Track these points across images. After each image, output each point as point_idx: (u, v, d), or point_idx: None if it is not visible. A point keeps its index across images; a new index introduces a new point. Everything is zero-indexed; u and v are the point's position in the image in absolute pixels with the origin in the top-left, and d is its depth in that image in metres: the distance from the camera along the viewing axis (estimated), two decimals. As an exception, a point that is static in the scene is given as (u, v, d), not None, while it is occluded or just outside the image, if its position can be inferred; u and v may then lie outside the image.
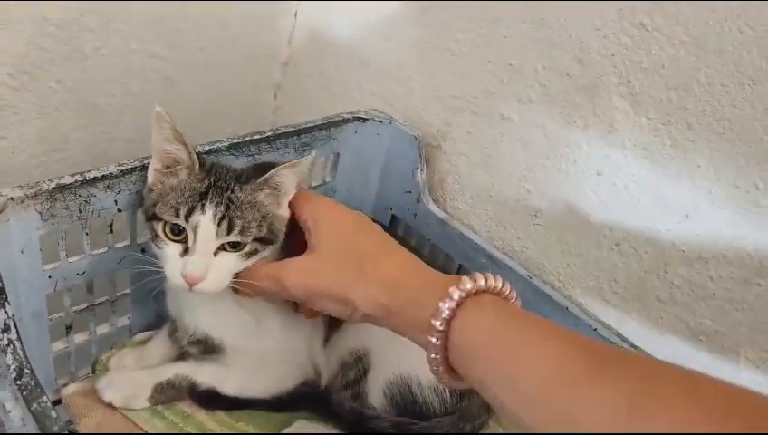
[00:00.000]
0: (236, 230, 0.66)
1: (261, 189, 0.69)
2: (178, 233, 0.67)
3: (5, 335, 0.58)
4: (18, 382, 0.57)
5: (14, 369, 0.58)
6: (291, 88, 1.18)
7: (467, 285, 0.52)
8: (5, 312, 0.58)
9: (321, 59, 1.13)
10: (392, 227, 1.01)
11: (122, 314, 0.85)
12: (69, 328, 0.79)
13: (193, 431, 0.78)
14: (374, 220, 0.71)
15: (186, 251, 0.67)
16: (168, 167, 0.69)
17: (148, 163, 0.72)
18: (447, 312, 0.52)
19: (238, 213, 0.67)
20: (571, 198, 0.83)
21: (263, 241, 0.69)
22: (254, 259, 0.69)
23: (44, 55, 0.88)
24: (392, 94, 1.02)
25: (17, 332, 0.59)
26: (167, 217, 0.67)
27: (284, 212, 0.72)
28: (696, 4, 0.69)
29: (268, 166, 0.70)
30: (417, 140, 0.94)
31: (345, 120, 0.92)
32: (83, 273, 0.75)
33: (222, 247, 0.67)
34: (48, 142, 0.96)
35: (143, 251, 0.79)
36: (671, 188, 0.75)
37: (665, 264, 0.77)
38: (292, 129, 0.86)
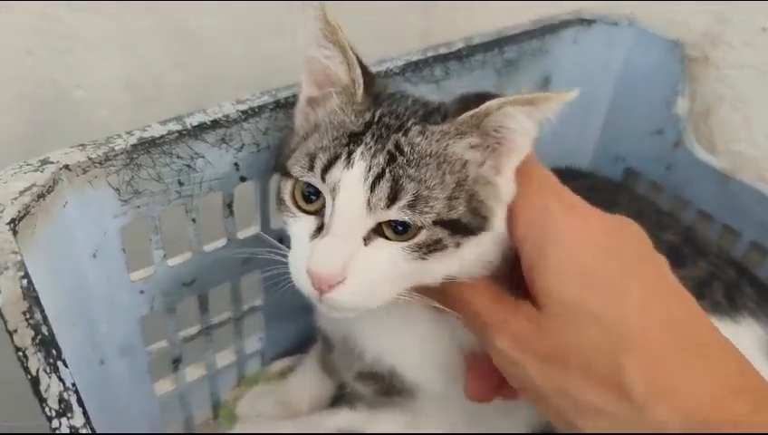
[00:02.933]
0: (405, 200, 0.36)
1: (463, 135, 0.39)
2: (315, 199, 0.39)
3: (64, 421, 0.31)
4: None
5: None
6: (440, 32, 0.86)
7: None
8: (60, 380, 0.31)
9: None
10: (626, 186, 0.68)
11: (251, 334, 0.58)
12: (177, 362, 0.52)
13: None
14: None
15: (320, 229, 0.38)
16: (322, 91, 0.41)
17: (285, 98, 0.44)
18: None
19: (411, 171, 0.37)
20: None
21: (456, 228, 0.38)
22: (438, 260, 0.38)
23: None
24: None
25: (84, 412, 0.32)
26: (296, 172, 0.39)
27: (507, 183, 0.40)
28: None
29: (482, 99, 0.38)
30: (678, 47, 0.60)
31: (562, 24, 0.60)
32: (192, 282, 0.48)
33: (380, 231, 0.37)
34: (138, 90, 0.70)
35: (282, 241, 0.50)
36: None
37: None
38: (490, 38, 0.55)
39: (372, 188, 0.36)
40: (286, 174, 0.40)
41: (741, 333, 0.50)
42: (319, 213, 0.38)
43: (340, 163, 0.37)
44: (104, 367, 0.45)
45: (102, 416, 0.40)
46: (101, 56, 0.67)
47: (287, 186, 0.40)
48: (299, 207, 0.39)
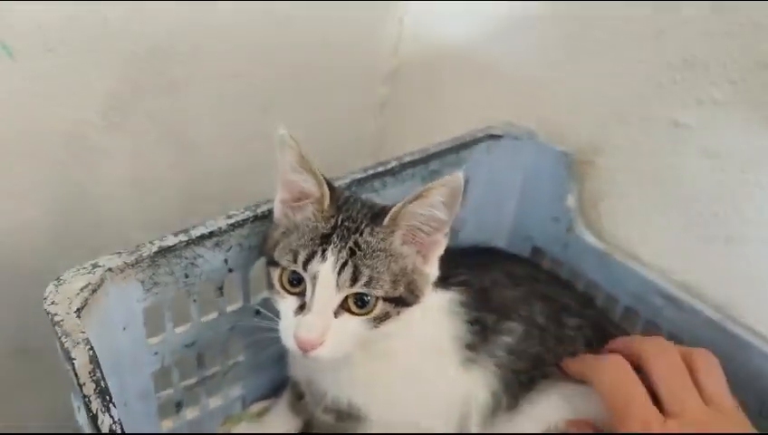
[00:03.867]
0: (362, 280, 0.53)
1: (393, 233, 0.56)
2: (297, 284, 0.55)
3: (111, 445, 0.47)
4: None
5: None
6: (398, 105, 1.05)
7: None
8: (111, 416, 0.47)
9: (434, 70, 0.99)
10: (535, 262, 0.85)
11: (235, 383, 0.74)
12: (179, 405, 0.68)
13: None
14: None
15: (302, 308, 0.54)
16: (297, 199, 0.58)
17: (261, 212, 0.61)
18: None
19: (366, 261, 0.54)
20: (779, 221, 0.66)
21: (397, 302, 0.55)
22: (386, 326, 0.55)
23: (134, 90, 0.79)
24: (525, 105, 0.86)
25: (121, 423, 0.47)
26: (284, 263, 0.55)
27: (433, 271, 0.58)
28: None
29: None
30: (567, 156, 0.78)
31: (476, 140, 0.78)
32: (192, 344, 0.64)
33: (346, 308, 0.54)
34: (142, 185, 0.87)
35: (258, 313, 0.67)
36: None
37: None
38: (418, 156, 0.72)
39: (339, 273, 0.53)
40: (274, 263, 0.56)
41: None
42: (300, 294, 0.55)
43: (318, 258, 0.53)
44: (127, 408, 0.61)
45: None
46: (115, 160, 0.82)
47: (276, 273, 0.56)
48: (286, 290, 0.55)
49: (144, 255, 0.55)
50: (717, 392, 0.55)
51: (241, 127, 0.92)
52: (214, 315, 0.65)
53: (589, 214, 0.82)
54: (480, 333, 0.64)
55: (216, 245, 0.59)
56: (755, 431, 0.53)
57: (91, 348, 0.47)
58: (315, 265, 0.53)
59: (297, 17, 0.87)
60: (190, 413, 0.71)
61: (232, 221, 0.60)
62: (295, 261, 0.54)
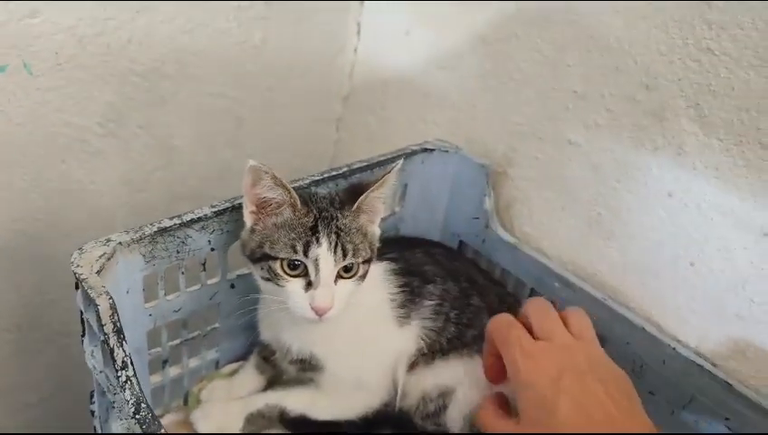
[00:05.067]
0: (350, 254, 0.71)
1: (359, 214, 0.74)
2: (295, 268, 0.71)
3: (124, 372, 0.62)
4: (137, 416, 0.61)
5: (133, 404, 0.61)
6: (351, 122, 1.22)
7: None
8: (123, 350, 0.62)
9: (382, 92, 1.16)
10: (460, 252, 1.03)
11: (211, 348, 0.89)
12: (165, 362, 0.84)
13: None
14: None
15: (309, 285, 0.71)
16: (265, 208, 0.73)
17: (238, 204, 0.76)
18: None
19: (348, 238, 0.72)
20: (643, 220, 0.85)
21: (368, 260, 0.75)
22: (363, 281, 0.75)
23: (129, 103, 0.94)
24: (455, 124, 1.05)
25: (134, 368, 0.63)
26: (284, 255, 0.70)
27: (377, 230, 0.78)
28: (763, 28, 0.71)
29: (357, 188, 0.76)
30: (485, 167, 0.96)
31: (414, 152, 0.95)
32: (179, 310, 0.79)
33: (339, 275, 0.72)
34: (131, 184, 1.01)
35: (232, 287, 0.83)
36: (745, 206, 0.76)
37: (743, 282, 0.78)
38: (366, 163, 0.89)
39: (335, 252, 0.70)
40: (272, 258, 0.71)
41: None
42: (303, 275, 0.71)
43: (314, 244, 0.70)
44: (125, 360, 0.75)
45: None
46: (110, 163, 0.96)
47: (276, 265, 0.71)
48: (288, 275, 0.71)
49: (146, 233, 0.71)
50: (585, 332, 0.67)
51: (217, 137, 1.08)
52: (197, 287, 0.80)
53: (503, 215, 1.00)
54: (408, 296, 0.83)
55: (203, 228, 0.75)
56: (612, 363, 0.65)
57: (111, 297, 0.62)
58: (314, 250, 0.70)
59: (267, 46, 1.04)
60: (173, 371, 0.86)
61: (215, 209, 0.76)
62: (296, 251, 0.70)
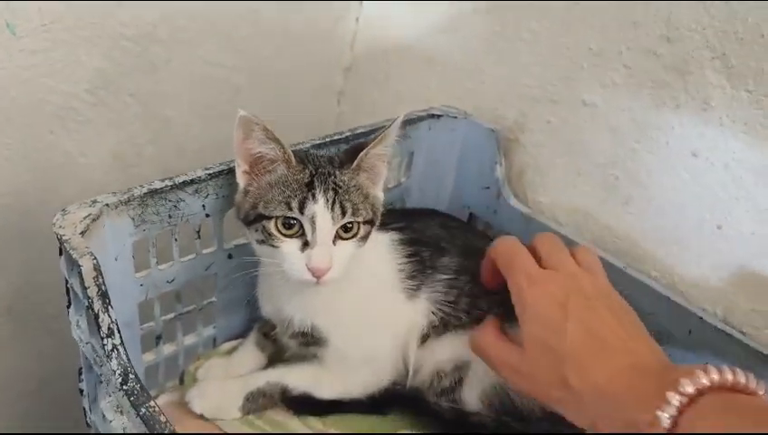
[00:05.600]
0: (349, 212, 0.66)
1: (358, 173, 0.70)
2: (290, 227, 0.66)
3: (110, 340, 0.57)
4: (125, 387, 0.56)
5: (120, 374, 0.57)
6: (354, 93, 1.17)
7: (688, 387, 0.46)
8: (109, 316, 0.57)
9: (384, 62, 1.11)
10: (471, 225, 0.98)
11: (208, 324, 0.84)
12: (159, 338, 0.79)
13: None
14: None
15: (305, 245, 0.66)
16: (257, 167, 0.68)
17: (234, 166, 0.71)
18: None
19: (346, 196, 0.67)
20: (665, 182, 0.80)
21: (369, 222, 0.70)
22: (364, 246, 0.70)
23: (118, 69, 0.89)
24: (462, 90, 1.00)
25: (120, 336, 0.58)
26: (278, 213, 0.66)
27: (380, 193, 0.73)
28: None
29: (357, 148, 0.70)
30: (495, 133, 0.91)
31: (419, 118, 0.90)
32: (173, 280, 0.74)
33: (338, 236, 0.67)
34: (123, 158, 0.96)
35: (230, 257, 0.78)
36: (778, 162, 0.71)
37: (775, 244, 0.73)
38: (369, 128, 0.84)
39: (332, 209, 0.65)
40: (266, 217, 0.66)
41: None
42: (299, 235, 0.66)
43: (310, 201, 0.65)
44: (115, 334, 0.70)
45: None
46: (100, 134, 0.92)
47: (270, 224, 0.66)
48: (283, 235, 0.66)
49: (135, 195, 0.66)
50: (593, 266, 0.64)
51: (212, 109, 1.03)
52: (192, 256, 0.75)
53: (515, 184, 0.95)
54: (418, 266, 0.77)
55: (196, 191, 0.70)
56: (620, 296, 0.63)
57: (95, 258, 0.57)
58: (310, 207, 0.65)
59: (264, 11, 0.99)
60: (168, 349, 0.81)
61: (210, 172, 0.71)
62: (290, 208, 0.65)
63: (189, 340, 0.83)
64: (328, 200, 0.65)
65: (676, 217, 0.80)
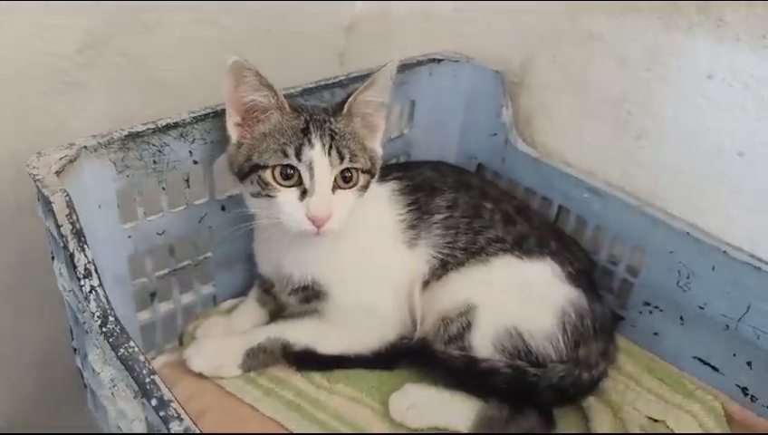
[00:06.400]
0: (347, 157, 0.64)
1: (351, 119, 0.67)
2: (288, 177, 0.63)
3: (87, 281, 0.54)
4: (104, 329, 0.53)
5: (99, 316, 0.54)
6: (356, 53, 1.14)
7: None
8: (86, 256, 0.54)
9: (385, 19, 1.08)
10: (479, 174, 0.94)
11: (206, 282, 0.81)
12: (153, 296, 0.76)
13: (290, 398, 0.72)
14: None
15: (304, 194, 0.63)
16: (250, 117, 0.66)
17: (221, 110, 0.69)
18: None
19: (343, 142, 0.65)
20: (679, 111, 0.75)
21: (368, 173, 0.67)
22: (364, 197, 0.67)
23: (109, 29, 0.86)
24: (466, 38, 0.95)
25: (99, 277, 0.55)
26: (274, 162, 0.63)
27: (378, 148, 0.70)
28: None
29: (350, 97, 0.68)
30: (500, 74, 0.87)
31: (419, 63, 0.86)
32: (163, 232, 0.71)
33: (337, 186, 0.64)
34: (118, 122, 0.93)
35: (223, 209, 0.75)
36: (801, 78, 0.66)
37: (802, 165, 0.67)
38: (366, 72, 0.80)
39: (330, 154, 0.63)
40: (262, 167, 0.63)
41: (543, 267, 0.75)
42: (297, 185, 0.63)
43: (307, 147, 0.63)
44: (105, 288, 0.68)
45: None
46: (92, 97, 0.89)
47: (266, 173, 0.63)
48: (280, 184, 0.63)
49: (115, 137, 0.64)
50: None
51: (209, 71, 0.99)
52: (182, 207, 0.72)
53: (523, 129, 0.90)
54: (416, 213, 0.75)
55: (181, 135, 0.67)
56: None
57: (68, 196, 0.54)
58: (307, 153, 0.63)
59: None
60: (164, 307, 0.78)
61: (195, 115, 0.68)
62: (287, 155, 0.63)
63: (187, 298, 0.80)
64: (324, 145, 0.63)
65: (693, 148, 0.75)
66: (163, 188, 0.69)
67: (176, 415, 0.47)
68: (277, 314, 0.81)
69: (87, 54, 0.86)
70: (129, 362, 0.51)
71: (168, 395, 0.48)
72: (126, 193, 0.67)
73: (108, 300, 0.55)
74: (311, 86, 0.76)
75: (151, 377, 0.49)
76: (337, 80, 0.78)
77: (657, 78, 0.75)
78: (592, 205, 0.81)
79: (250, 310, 0.81)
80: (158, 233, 0.71)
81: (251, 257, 0.79)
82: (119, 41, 0.88)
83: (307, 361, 0.75)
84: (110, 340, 0.52)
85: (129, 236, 0.69)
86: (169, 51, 0.94)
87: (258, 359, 0.74)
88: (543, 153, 0.88)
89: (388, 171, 0.77)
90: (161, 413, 0.47)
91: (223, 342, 0.76)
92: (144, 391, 0.48)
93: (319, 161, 0.62)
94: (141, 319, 0.76)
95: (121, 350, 0.52)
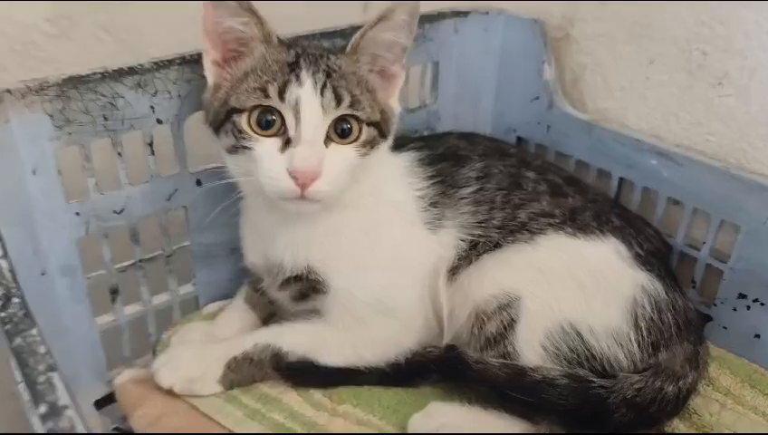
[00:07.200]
0: (346, 101, 0.51)
1: (357, 59, 0.54)
2: (268, 124, 0.50)
3: (-7, 258, 0.41)
4: (2, 314, 0.39)
5: (1, 296, 0.40)
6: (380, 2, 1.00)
7: None
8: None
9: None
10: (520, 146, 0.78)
11: (185, 280, 0.67)
12: (114, 293, 0.61)
13: (280, 420, 0.57)
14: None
15: (287, 144, 0.50)
16: (229, 52, 0.54)
17: (191, 56, 0.56)
18: None
19: (342, 82, 0.51)
20: (772, 43, 0.58)
21: (377, 127, 0.53)
22: (369, 158, 0.53)
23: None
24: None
25: (3, 246, 0.41)
26: (252, 103, 0.50)
27: (395, 104, 0.57)
28: None
29: None
30: (539, 24, 0.72)
31: (441, 16, 0.72)
32: (122, 211, 0.58)
33: (330, 138, 0.51)
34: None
35: (198, 184, 0.61)
36: None
37: None
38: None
39: (322, 94, 0.50)
40: (237, 111, 0.51)
41: (604, 246, 0.59)
42: (279, 134, 0.50)
43: (293, 84, 0.50)
44: (46, 279, 0.54)
45: (46, 330, 0.46)
46: (65, 72, 0.80)
47: (242, 119, 0.51)
48: (257, 133, 0.50)
49: (51, 82, 0.51)
50: None
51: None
52: (146, 180, 0.58)
53: (570, 92, 0.75)
54: (439, 187, 0.60)
55: (139, 85, 0.54)
56: None
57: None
58: (293, 90, 0.50)
59: None
60: (130, 309, 0.63)
61: (156, 60, 0.55)
62: (267, 95, 0.50)
63: (161, 299, 0.65)
64: (317, 83, 0.50)
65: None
66: (119, 153, 0.56)
67: (68, 427, 0.32)
68: (271, 320, 0.66)
69: (59, 24, 0.76)
70: (23, 356, 0.36)
71: (65, 401, 0.34)
72: (71, 159, 0.53)
73: (15, 277, 0.41)
74: (327, 31, 0.63)
75: (48, 374, 0.35)
76: (339, 28, 0.65)
77: (740, 5, 0.60)
78: (663, 173, 0.65)
79: (236, 314, 0.66)
80: (114, 211, 0.57)
81: (235, 250, 0.64)
82: (98, 13, 0.77)
83: (305, 374, 0.59)
84: (7, 327, 0.38)
85: (78, 214, 0.55)
86: (155, 22, 0.82)
87: (242, 372, 0.59)
88: (597, 117, 0.71)
89: (405, 142, 0.63)
90: (48, 424, 0.32)
91: (199, 351, 0.60)
92: (34, 392, 0.34)
93: (307, 102, 0.49)
94: (101, 323, 0.61)
95: (18, 339, 0.37)
